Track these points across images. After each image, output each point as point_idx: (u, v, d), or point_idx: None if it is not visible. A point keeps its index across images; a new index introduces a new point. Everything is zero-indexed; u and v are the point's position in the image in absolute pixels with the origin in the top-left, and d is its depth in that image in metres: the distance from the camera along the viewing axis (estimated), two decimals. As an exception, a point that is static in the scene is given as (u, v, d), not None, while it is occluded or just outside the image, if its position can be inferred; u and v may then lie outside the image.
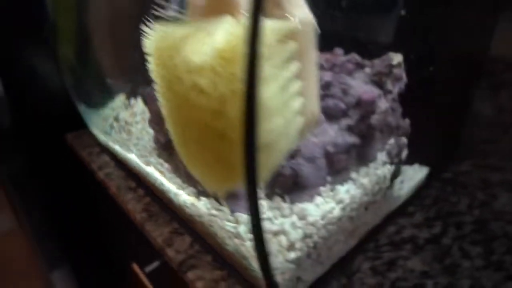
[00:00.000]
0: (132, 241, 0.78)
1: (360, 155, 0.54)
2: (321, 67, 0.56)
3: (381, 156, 0.56)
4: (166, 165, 0.64)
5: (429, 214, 0.64)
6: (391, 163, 0.56)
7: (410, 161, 0.67)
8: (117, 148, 0.77)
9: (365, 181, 0.52)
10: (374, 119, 0.50)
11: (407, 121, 0.59)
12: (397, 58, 0.54)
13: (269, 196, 0.51)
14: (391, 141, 0.58)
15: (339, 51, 0.57)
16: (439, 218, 0.63)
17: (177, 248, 0.60)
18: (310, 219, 0.47)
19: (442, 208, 0.65)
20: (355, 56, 0.56)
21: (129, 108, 0.80)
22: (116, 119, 0.80)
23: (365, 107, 0.50)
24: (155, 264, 0.70)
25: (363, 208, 0.55)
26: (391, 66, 0.54)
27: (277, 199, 0.50)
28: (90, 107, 0.83)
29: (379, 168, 0.55)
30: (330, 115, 0.52)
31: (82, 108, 0.85)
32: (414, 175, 0.67)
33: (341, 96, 0.52)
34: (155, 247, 0.63)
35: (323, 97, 0.52)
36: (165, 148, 0.64)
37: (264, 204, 0.51)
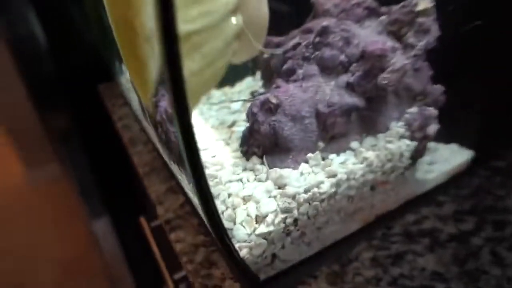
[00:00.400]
0: (139, 195, 0.77)
1: (365, 122, 0.44)
2: (327, 13, 0.47)
3: (397, 128, 0.46)
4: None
5: (462, 206, 0.52)
6: (412, 138, 0.46)
7: (444, 139, 0.55)
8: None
9: (369, 154, 0.43)
10: (384, 78, 0.40)
11: (438, 87, 0.48)
12: (423, 3, 0.43)
13: (245, 154, 0.45)
14: (413, 109, 0.47)
15: (353, -5, 0.47)
16: (475, 213, 0.50)
17: (168, 206, 0.57)
18: (290, 190, 0.40)
19: (482, 202, 0.52)
20: (367, 0, 0.46)
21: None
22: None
23: (371, 62, 0.41)
24: (157, 221, 0.68)
25: (368, 188, 0.45)
26: (413, 13, 0.43)
27: (254, 160, 0.44)
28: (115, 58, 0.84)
29: (393, 141, 0.45)
30: (326, 68, 0.43)
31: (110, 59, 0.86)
32: (452, 157, 0.55)
33: (342, 46, 0.43)
34: (151, 202, 0.61)
35: (317, 45, 0.43)
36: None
37: (238, 162, 0.45)
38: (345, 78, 0.43)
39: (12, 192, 1.74)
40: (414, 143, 0.46)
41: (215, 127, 0.57)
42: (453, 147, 0.56)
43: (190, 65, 0.27)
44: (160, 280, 0.71)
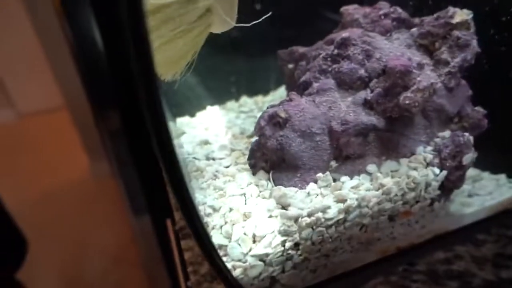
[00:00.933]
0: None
1: (385, 144, 0.40)
2: (356, 23, 0.43)
3: (425, 153, 0.41)
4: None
5: (506, 249, 0.45)
6: (441, 166, 0.41)
7: (491, 167, 0.48)
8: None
9: (387, 181, 0.39)
10: (406, 97, 0.36)
11: (479, 110, 0.42)
12: (460, 15, 0.38)
13: (253, 168, 0.43)
14: (445, 133, 0.42)
15: (384, 4, 0.43)
16: (519, 259, 0.43)
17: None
18: (292, 211, 0.37)
19: (531, 246, 0.44)
20: (397, 10, 0.42)
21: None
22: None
23: (392, 78, 0.37)
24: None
25: (386, 217, 0.41)
26: (449, 26, 0.38)
27: (261, 174, 0.42)
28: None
29: (418, 168, 0.40)
30: (343, 82, 0.40)
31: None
32: (498, 190, 0.48)
33: (362, 60, 0.39)
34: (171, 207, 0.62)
35: (336, 57, 0.40)
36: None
37: (245, 175, 0.43)
38: (363, 94, 0.39)
39: (75, 183, 1.89)
40: (445, 172, 0.40)
41: (236, 136, 0.55)
42: (501, 178, 0.49)
43: (163, 33, 0.29)
44: (177, 285, 0.71)
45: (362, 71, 0.39)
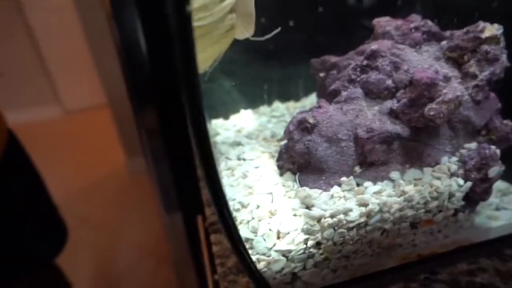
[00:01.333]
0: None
1: (410, 152, 0.41)
2: (387, 35, 0.45)
3: (449, 163, 0.42)
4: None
5: (531, 265, 0.45)
6: (466, 177, 0.41)
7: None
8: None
9: (410, 188, 0.40)
10: (431, 108, 0.38)
11: (508, 124, 0.43)
12: (490, 30, 0.39)
13: (281, 169, 0.45)
14: (471, 145, 0.42)
15: (416, 17, 0.45)
16: (544, 275, 0.43)
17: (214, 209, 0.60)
18: (316, 211, 0.39)
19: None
20: (428, 23, 0.43)
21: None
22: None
23: (418, 90, 0.38)
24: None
25: (407, 224, 0.42)
26: (478, 40, 0.39)
27: (288, 175, 0.44)
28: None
29: (442, 178, 0.41)
30: (370, 92, 0.41)
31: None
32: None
33: (390, 71, 0.41)
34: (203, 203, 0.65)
35: (365, 68, 0.42)
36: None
37: (273, 175, 0.45)
38: (389, 104, 0.41)
39: (113, 177, 1.99)
40: (469, 184, 0.41)
41: (267, 139, 0.58)
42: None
43: (198, 45, 0.34)
44: (204, 279, 0.74)
45: (389, 82, 0.41)
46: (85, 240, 1.63)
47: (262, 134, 0.60)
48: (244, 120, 0.70)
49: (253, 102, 0.80)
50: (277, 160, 0.45)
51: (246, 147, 0.55)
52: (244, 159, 0.53)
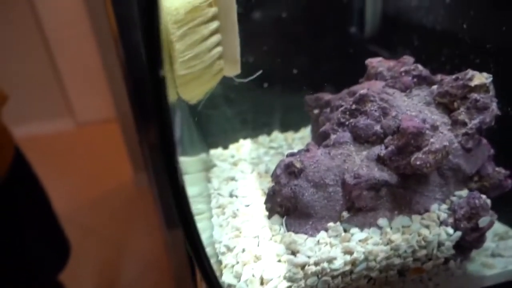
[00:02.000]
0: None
1: (398, 199, 0.41)
2: (380, 76, 0.45)
3: (439, 211, 0.41)
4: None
5: (527, 316, 0.43)
6: (456, 226, 0.40)
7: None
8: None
9: (397, 237, 0.39)
10: (417, 158, 0.37)
11: (501, 171, 0.42)
12: (479, 78, 0.38)
13: (269, 211, 0.45)
14: (462, 192, 0.42)
15: (408, 59, 0.44)
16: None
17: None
18: (300, 258, 0.39)
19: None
20: (418, 67, 0.42)
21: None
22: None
23: (405, 138, 0.38)
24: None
25: (395, 272, 0.41)
26: (467, 88, 0.39)
27: (276, 218, 0.44)
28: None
29: (431, 226, 0.40)
30: (359, 136, 0.41)
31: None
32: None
33: (378, 117, 0.40)
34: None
35: (354, 112, 0.42)
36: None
37: (261, 217, 0.45)
38: (377, 150, 0.40)
39: (120, 191, 2.01)
40: (459, 233, 0.40)
41: (261, 174, 0.58)
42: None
43: (190, 86, 0.44)
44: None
45: (377, 127, 0.40)
46: (90, 252, 1.64)
47: (257, 169, 0.59)
48: (242, 151, 0.70)
49: (252, 131, 0.80)
50: (265, 202, 0.45)
51: (239, 183, 0.55)
52: (236, 196, 0.52)
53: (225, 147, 0.76)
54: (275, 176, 0.42)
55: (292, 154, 0.45)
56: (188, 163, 0.63)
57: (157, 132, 0.27)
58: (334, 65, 0.81)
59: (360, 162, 0.40)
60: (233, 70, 0.45)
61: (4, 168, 0.73)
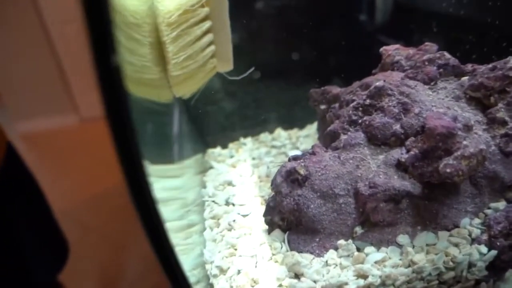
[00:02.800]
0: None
1: (421, 213, 0.34)
2: (397, 66, 0.38)
3: (471, 226, 0.35)
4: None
5: None
6: (491, 244, 0.34)
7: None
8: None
9: (420, 258, 0.33)
10: (447, 165, 0.30)
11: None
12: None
13: (269, 224, 0.38)
14: (498, 204, 0.35)
15: (431, 46, 0.38)
16: None
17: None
18: (304, 283, 0.33)
19: None
20: (445, 55, 0.36)
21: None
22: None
23: (432, 140, 0.31)
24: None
25: (419, 295, 0.35)
26: (508, 79, 0.32)
27: (277, 233, 0.37)
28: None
29: (461, 245, 0.34)
30: (374, 137, 0.34)
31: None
32: None
33: (397, 114, 0.34)
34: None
35: (368, 108, 0.35)
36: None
37: (260, 232, 0.39)
38: (397, 154, 0.34)
39: (121, 188, 1.97)
40: (494, 252, 0.33)
41: (261, 178, 0.52)
42: None
43: (184, 84, 0.44)
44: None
45: (397, 127, 0.34)
46: (90, 253, 1.61)
47: (258, 171, 0.53)
48: (242, 151, 0.64)
49: (254, 128, 0.74)
50: (264, 215, 0.39)
51: (237, 188, 0.49)
52: (233, 204, 0.46)
53: (224, 146, 0.70)
54: (275, 185, 0.36)
55: (295, 158, 0.38)
56: (179, 166, 0.57)
57: (112, 138, 0.21)
58: (342, 56, 0.75)
59: (376, 168, 0.34)
60: (225, 66, 0.46)
61: None
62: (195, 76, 0.43)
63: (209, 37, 0.43)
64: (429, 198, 0.34)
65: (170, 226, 0.42)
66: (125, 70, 0.41)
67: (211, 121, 0.78)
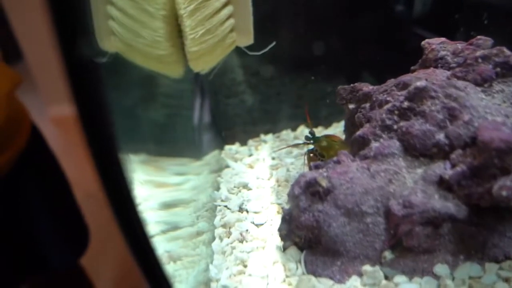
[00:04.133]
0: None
1: (466, 240, 0.29)
2: (441, 62, 0.32)
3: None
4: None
5: None
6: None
7: None
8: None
9: (464, 290, 0.28)
10: (503, 186, 0.25)
11: None
12: None
13: (284, 240, 0.34)
14: None
15: (484, 40, 0.32)
16: None
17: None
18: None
19: None
20: (504, 51, 0.29)
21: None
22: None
23: (486, 155, 0.25)
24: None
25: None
26: None
27: (292, 251, 0.33)
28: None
29: (514, 276, 0.28)
30: (412, 147, 0.29)
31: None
32: None
33: (442, 121, 0.28)
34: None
35: (406, 112, 0.30)
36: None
37: (274, 247, 0.34)
38: (439, 169, 0.28)
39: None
40: (557, 289, 0.28)
41: (280, 182, 0.47)
42: None
43: (202, 60, 0.42)
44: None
45: (440, 136, 0.28)
46: (109, 245, 1.62)
47: (276, 174, 0.49)
48: (261, 149, 0.60)
49: (276, 124, 0.69)
50: (279, 229, 0.34)
51: (253, 193, 0.45)
52: (247, 211, 0.42)
53: (243, 142, 0.65)
54: (292, 196, 0.32)
55: (316, 166, 0.33)
56: (200, 163, 0.53)
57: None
58: (375, 49, 0.68)
59: (413, 185, 0.29)
60: (245, 40, 0.43)
61: (21, 144, 0.67)
62: (214, 51, 0.41)
63: (228, 10, 0.40)
64: (476, 224, 0.28)
65: (183, 233, 0.39)
66: (135, 43, 0.38)
67: (230, 114, 0.74)
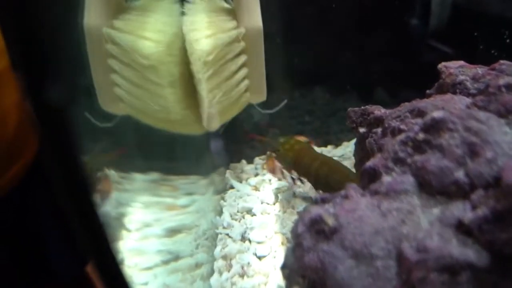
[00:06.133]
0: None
1: None
2: (460, 87, 0.30)
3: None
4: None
5: None
6: None
7: None
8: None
9: None
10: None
11: None
12: None
13: (287, 279, 0.31)
14: None
15: (509, 66, 0.29)
16: None
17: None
18: None
19: None
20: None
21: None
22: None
23: (510, 200, 0.23)
24: None
25: None
26: None
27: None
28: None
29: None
30: (427, 184, 0.27)
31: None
32: None
33: (461, 156, 0.25)
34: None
35: (421, 144, 0.27)
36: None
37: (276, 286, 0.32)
38: (458, 210, 0.25)
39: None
40: None
41: (285, 208, 0.45)
42: None
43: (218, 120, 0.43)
44: None
45: (460, 174, 0.26)
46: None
47: (283, 197, 0.46)
48: (267, 170, 0.57)
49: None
50: (282, 267, 0.32)
51: (256, 219, 0.43)
52: (249, 240, 0.40)
53: (250, 160, 0.63)
54: (295, 235, 0.29)
55: (323, 199, 0.31)
56: (206, 182, 0.51)
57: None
58: (389, 64, 0.66)
59: (429, 226, 0.26)
60: (259, 98, 0.45)
61: (31, 154, 0.67)
62: (227, 111, 0.43)
63: (243, 72, 0.42)
64: (499, 273, 0.25)
65: (182, 264, 0.36)
66: (146, 109, 0.36)
67: (238, 130, 0.72)
